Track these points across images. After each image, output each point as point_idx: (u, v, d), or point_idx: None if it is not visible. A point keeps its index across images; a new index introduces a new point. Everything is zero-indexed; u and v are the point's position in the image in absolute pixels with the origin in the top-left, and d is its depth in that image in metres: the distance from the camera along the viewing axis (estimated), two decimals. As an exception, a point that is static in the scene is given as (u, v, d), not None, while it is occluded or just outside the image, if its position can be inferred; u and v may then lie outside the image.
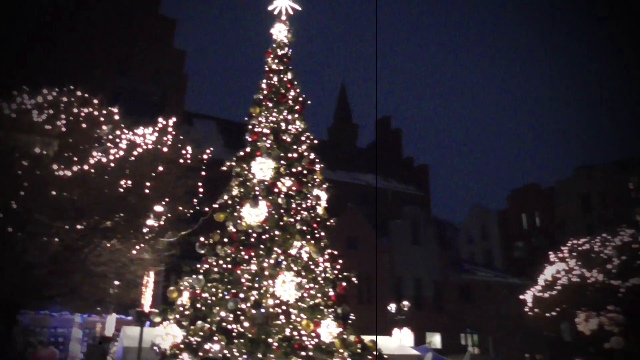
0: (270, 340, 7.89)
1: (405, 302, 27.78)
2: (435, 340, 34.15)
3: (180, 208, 11.27)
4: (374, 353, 8.80)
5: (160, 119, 10.22)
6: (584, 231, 31.29)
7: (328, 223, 9.69)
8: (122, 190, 9.49)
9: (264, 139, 9.67)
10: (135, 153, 9.47)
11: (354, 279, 9.41)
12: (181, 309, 8.65)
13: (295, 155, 9.74)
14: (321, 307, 8.67)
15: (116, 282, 12.12)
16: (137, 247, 10.97)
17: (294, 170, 9.56)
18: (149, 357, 10.95)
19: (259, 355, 7.81)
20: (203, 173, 11.57)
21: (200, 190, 11.50)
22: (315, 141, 10.16)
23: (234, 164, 9.69)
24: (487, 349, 35.40)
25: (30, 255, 8.82)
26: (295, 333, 7.98)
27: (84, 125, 8.62)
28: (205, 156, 11.85)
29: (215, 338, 7.84)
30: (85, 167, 8.17)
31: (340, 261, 9.43)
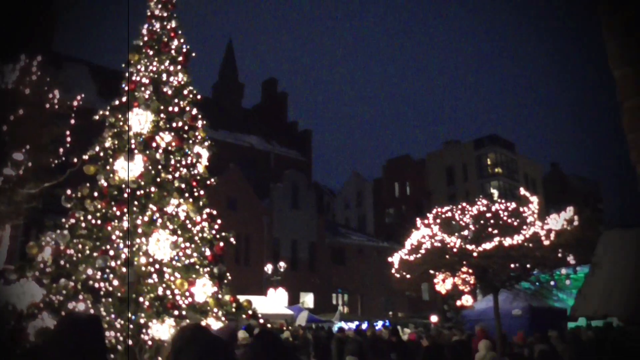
0: (141, 299, 7.65)
1: (282, 263, 28.55)
2: (308, 300, 35.66)
3: (44, 158, 10.29)
4: (248, 312, 8.96)
5: (22, 57, 9.12)
6: (447, 200, 34.35)
7: (208, 182, 9.47)
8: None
9: (143, 89, 9.10)
10: (-10, 92, 8.40)
11: (232, 240, 9.39)
12: (42, 266, 8.02)
13: (176, 109, 9.30)
14: (197, 267, 8.57)
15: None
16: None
17: (174, 125, 9.15)
18: (2, 317, 10.09)
19: (129, 315, 7.55)
20: (72, 121, 10.61)
21: (68, 139, 10.56)
22: (199, 97, 9.79)
23: (107, 113, 9.02)
24: (356, 308, 37.87)
25: None
26: (168, 292, 7.80)
27: None
28: (75, 102, 10.84)
29: (80, 297, 7.41)
30: None
31: (219, 221, 9.33)
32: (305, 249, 36.87)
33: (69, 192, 8.39)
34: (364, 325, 21.80)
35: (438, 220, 18.97)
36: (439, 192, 50.19)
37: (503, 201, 20.29)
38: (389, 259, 20.13)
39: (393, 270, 19.39)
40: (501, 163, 51.36)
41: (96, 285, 7.49)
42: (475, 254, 17.09)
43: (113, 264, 7.68)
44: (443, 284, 19.62)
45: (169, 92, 9.34)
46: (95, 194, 8.31)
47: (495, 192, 44.52)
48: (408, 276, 19.07)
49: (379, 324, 23.27)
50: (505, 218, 18.45)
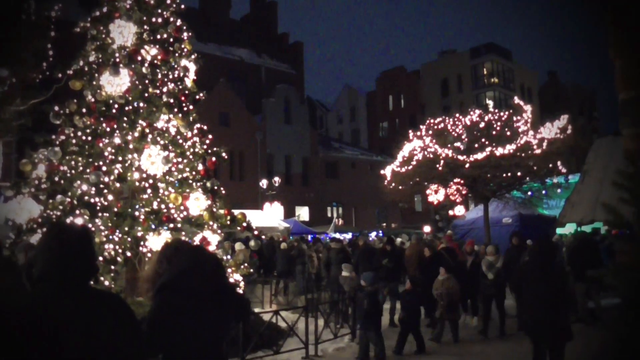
0: (137, 213, 7.81)
1: (276, 178, 28.92)
2: (304, 213, 36.54)
3: (28, 73, 10.01)
4: (243, 224, 9.20)
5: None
6: (442, 112, 34.18)
7: (197, 97, 9.32)
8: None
9: (123, -2, 8.67)
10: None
11: (224, 155, 9.41)
12: (37, 182, 8.09)
13: (159, 20, 8.92)
14: (190, 181, 8.66)
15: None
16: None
17: (158, 37, 8.83)
18: (3, 233, 10.34)
19: (126, 228, 7.75)
20: (52, 34, 10.19)
21: (50, 53, 10.21)
22: (182, 6, 9.37)
23: (89, 25, 8.66)
24: (350, 220, 38.94)
25: None
26: (163, 206, 7.95)
27: None
28: (53, 13, 10.35)
29: (77, 212, 7.55)
30: None
31: (210, 136, 9.30)
32: (298, 163, 37.17)
33: (56, 108, 8.26)
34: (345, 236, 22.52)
35: (430, 132, 19.04)
36: (434, 104, 49.81)
37: (496, 111, 20.26)
38: (381, 172, 20.46)
39: (386, 183, 19.75)
40: (497, 72, 50.55)
41: (92, 200, 7.60)
42: (466, 165, 17.34)
43: (107, 179, 7.74)
44: (435, 194, 20.08)
45: (152, 1, 8.92)
46: (84, 110, 8.19)
47: (490, 103, 44.26)
48: (400, 187, 19.46)
49: (372, 235, 24.07)
50: (498, 128, 18.52)
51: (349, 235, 25.02)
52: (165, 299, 2.57)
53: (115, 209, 7.75)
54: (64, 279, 2.04)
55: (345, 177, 39.47)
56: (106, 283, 7.15)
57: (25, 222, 7.83)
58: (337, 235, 21.72)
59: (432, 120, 19.68)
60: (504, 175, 17.57)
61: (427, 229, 29.00)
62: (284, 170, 35.54)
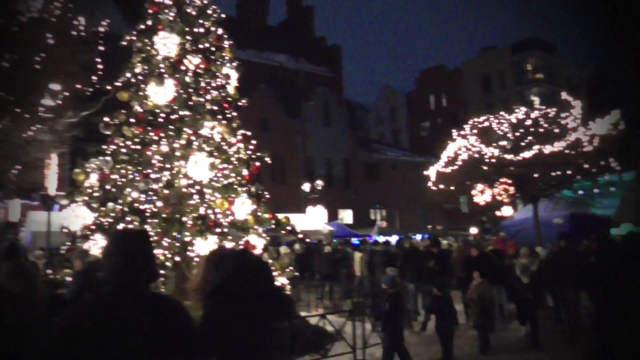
0: (184, 218, 7.98)
1: (318, 181, 28.98)
2: (347, 216, 36.46)
3: (79, 86, 10.41)
4: (287, 228, 9.26)
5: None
6: (485, 110, 33.39)
7: (239, 103, 9.47)
8: (6, 64, 8.52)
9: (166, 11, 8.90)
10: (16, 22, 8.37)
11: (267, 159, 9.52)
12: (89, 191, 8.40)
13: (201, 30, 9.13)
14: (235, 186, 8.80)
15: (17, 166, 11.40)
16: (33, 127, 10.18)
17: (200, 46, 9.03)
18: (59, 240, 10.78)
19: (174, 234, 7.93)
20: (101, 47, 10.57)
21: (99, 67, 10.59)
22: (223, 15, 9.55)
23: (134, 38, 8.95)
24: (394, 222, 38.55)
25: None
26: (209, 211, 8.09)
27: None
28: (101, 28, 10.75)
29: (128, 218, 7.79)
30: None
31: (254, 142, 9.43)
32: (339, 166, 37.13)
33: (106, 119, 8.57)
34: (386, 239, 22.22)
35: (475, 131, 18.63)
36: (476, 102, 48.76)
37: (543, 107, 19.62)
38: (425, 172, 20.17)
39: (430, 184, 19.46)
40: (541, 68, 49.03)
41: (141, 207, 7.82)
42: (513, 164, 16.87)
43: (155, 186, 7.95)
44: (481, 195, 19.60)
45: (193, 12, 9.13)
46: (132, 120, 8.46)
47: (536, 100, 42.92)
48: (445, 188, 19.12)
49: (417, 237, 23.71)
50: (545, 125, 17.92)
51: (392, 238, 24.76)
52: (215, 304, 2.60)
53: (164, 215, 7.95)
54: (127, 283, 2.15)
55: (387, 179, 39.14)
56: (158, 287, 7.34)
57: (79, 229, 8.15)
58: (381, 238, 21.54)
59: (476, 119, 19.25)
60: (553, 174, 16.97)
61: (473, 230, 28.33)
62: (325, 173, 35.58)
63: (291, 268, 9.78)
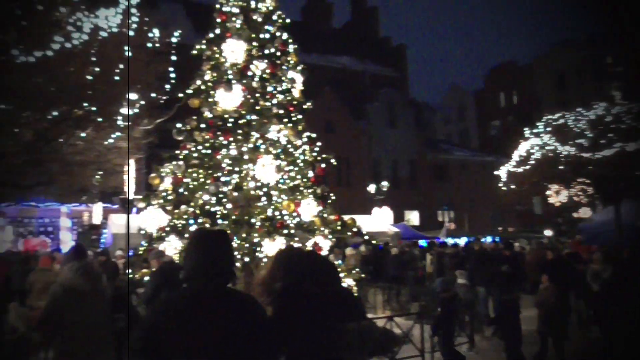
0: (253, 220, 8.18)
1: (384, 183, 28.73)
2: (413, 217, 35.88)
3: (153, 95, 10.98)
4: (353, 229, 9.26)
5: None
6: (559, 107, 31.73)
7: (304, 106, 9.60)
8: (90, 77, 9.13)
9: (233, 19, 9.20)
10: (99, 37, 8.96)
11: (332, 161, 9.58)
12: (164, 194, 8.82)
13: (267, 36, 9.36)
14: (301, 188, 8.92)
15: (98, 172, 12.19)
16: (113, 135, 10.85)
17: (266, 52, 9.24)
18: (137, 242, 11.39)
19: (243, 235, 8.15)
20: (173, 57, 11.10)
21: (172, 75, 11.12)
22: (288, 20, 9.72)
23: (204, 47, 9.31)
24: (463, 224, 37.52)
25: (2, 145, 8.70)
26: (277, 213, 8.25)
27: (39, 7, 8.02)
28: (174, 39, 11.28)
29: (200, 220, 8.10)
30: (48, 52, 7.74)
31: (319, 144, 9.52)
32: (406, 167, 36.63)
33: (178, 125, 8.99)
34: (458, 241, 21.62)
35: (549, 129, 17.75)
36: (550, 99, 46.46)
37: (626, 102, 18.34)
38: (495, 172, 19.48)
39: (501, 184, 18.77)
40: (622, 60, 45.91)
41: (212, 209, 8.11)
42: (592, 163, 15.91)
43: (225, 189, 8.23)
44: (556, 195, 18.64)
45: (259, 19, 9.37)
46: (202, 125, 8.80)
47: (617, 94, 40.28)
48: (517, 189, 18.37)
49: (487, 240, 22.93)
50: (628, 121, 16.75)
51: (461, 240, 24.09)
52: (284, 303, 2.64)
53: (233, 217, 8.20)
54: (207, 280, 2.25)
55: (455, 180, 38.15)
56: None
57: (155, 231, 8.57)
58: (449, 240, 21.02)
59: (550, 116, 18.35)
60: (638, 173, 15.84)
61: (548, 233, 26.99)
62: (391, 174, 35.23)
63: (357, 270, 9.77)
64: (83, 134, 10.40)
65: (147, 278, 8.10)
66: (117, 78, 9.65)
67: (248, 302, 2.39)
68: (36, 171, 9.86)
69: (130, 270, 9.61)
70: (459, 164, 39.22)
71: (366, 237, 9.55)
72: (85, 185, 12.65)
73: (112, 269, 11.08)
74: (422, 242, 21.37)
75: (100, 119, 9.89)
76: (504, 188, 18.50)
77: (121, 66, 9.65)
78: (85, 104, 9.34)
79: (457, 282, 9.38)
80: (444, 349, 7.06)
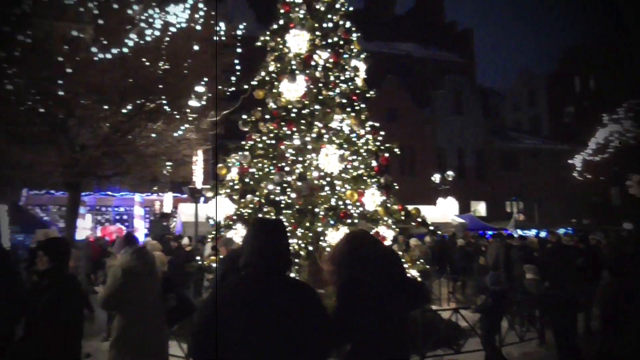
0: (316, 210, 8.25)
1: (450, 172, 28.06)
2: (480, 208, 34.85)
3: (220, 87, 11.28)
4: (417, 220, 9.11)
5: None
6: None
7: (367, 95, 9.51)
8: (160, 71, 9.51)
9: (297, 9, 9.23)
10: (169, 33, 9.30)
11: (396, 150, 9.45)
12: (231, 184, 9.06)
13: (330, 25, 9.33)
14: (364, 178, 8.88)
15: (168, 163, 12.73)
16: (182, 127, 11.26)
17: (329, 41, 9.22)
18: (205, 229, 11.82)
19: (307, 224, 8.24)
20: (239, 50, 11.32)
21: (237, 67, 11.37)
22: (350, 9, 9.65)
23: (268, 38, 9.42)
24: (533, 216, 35.95)
25: (82, 138, 9.26)
26: (340, 203, 8.26)
27: (115, 6, 8.44)
28: (239, 32, 11.51)
29: (265, 209, 8.26)
30: (125, 49, 8.15)
31: (382, 133, 9.42)
32: (472, 156, 35.54)
33: (244, 116, 9.19)
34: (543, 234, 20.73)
35: (630, 114, 16.62)
36: (632, 83, 43.33)
37: None
38: (569, 161, 18.49)
39: (575, 174, 17.82)
40: None
41: (277, 198, 8.25)
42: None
43: (289, 179, 8.34)
44: (638, 186, 17.46)
45: (322, 8, 9.35)
46: (267, 116, 8.94)
47: None
48: (594, 179, 17.39)
49: (560, 232, 21.85)
50: None
51: (531, 232, 23.12)
52: (351, 292, 2.64)
53: (297, 206, 8.29)
54: (264, 266, 2.32)
55: (525, 169, 36.56)
56: (291, 275, 7.69)
57: (222, 219, 8.85)
58: (519, 232, 20.25)
59: (632, 101, 17.17)
60: None
61: (627, 225, 25.33)
62: (456, 163, 34.33)
63: (422, 261, 9.63)
64: (154, 126, 10.87)
65: (214, 265, 8.42)
66: (185, 72, 9.99)
67: (303, 289, 2.44)
68: (113, 162, 10.44)
69: (198, 258, 10.01)
70: (529, 153, 37.55)
71: (431, 228, 9.37)
72: (157, 175, 13.24)
73: (183, 255, 11.58)
74: (490, 234, 20.74)
75: (170, 112, 10.28)
76: (579, 178, 17.55)
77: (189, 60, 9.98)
78: (157, 98, 9.74)
79: (527, 277, 9.01)
80: (483, 343, 6.85)
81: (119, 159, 10.53)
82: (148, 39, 8.68)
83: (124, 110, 9.63)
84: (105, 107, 9.30)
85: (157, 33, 8.86)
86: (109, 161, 10.27)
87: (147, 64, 9.25)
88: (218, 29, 10.45)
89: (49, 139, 10.22)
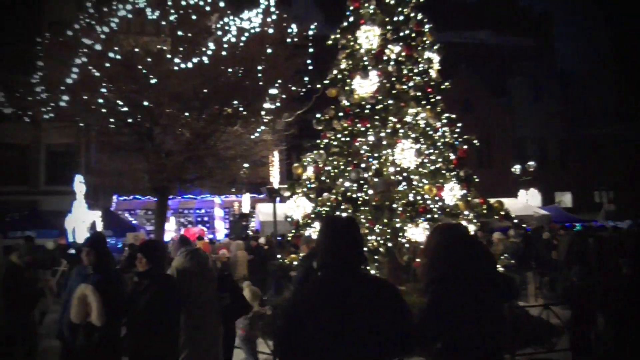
0: (394, 205, 8.17)
1: (530, 163, 26.80)
2: (566, 199, 33.02)
3: (293, 88, 11.46)
4: (500, 213, 8.77)
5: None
6: None
7: (442, 87, 9.28)
8: (239, 75, 9.81)
9: (366, 5, 9.17)
10: (243, 38, 9.57)
11: (475, 142, 9.16)
12: (307, 182, 9.17)
13: (401, 18, 9.19)
14: (443, 171, 8.67)
15: (245, 164, 13.13)
16: (259, 129, 11.55)
17: (401, 34, 9.08)
18: (283, 228, 12.07)
19: (385, 220, 8.18)
20: (310, 50, 11.44)
21: (310, 67, 11.50)
22: (421, 0, 9.45)
23: (338, 36, 9.43)
24: (626, 206, 33.42)
25: (167, 145, 9.78)
26: (418, 198, 8.13)
27: (193, 17, 8.82)
28: (310, 32, 11.62)
29: (342, 207, 8.29)
30: (204, 58, 8.51)
31: (459, 125, 9.16)
32: (554, 144, 33.70)
33: (318, 115, 9.28)
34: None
35: None
36: None
37: None
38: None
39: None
40: None
41: (354, 196, 8.25)
42: None
43: (366, 175, 8.31)
44: None
45: (392, 1, 9.22)
46: (340, 114, 8.96)
47: None
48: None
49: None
50: None
51: (624, 224, 21.54)
52: (442, 289, 2.57)
53: (374, 203, 8.25)
54: (340, 265, 2.32)
55: (614, 157, 34.14)
56: (371, 272, 7.67)
57: (300, 218, 8.98)
58: (610, 224, 18.95)
59: None
60: None
61: None
62: (537, 153, 32.70)
63: (505, 256, 9.27)
64: (232, 130, 11.24)
65: (295, 263, 8.58)
66: (260, 75, 10.23)
67: (384, 286, 2.42)
68: (196, 166, 10.94)
69: (279, 256, 10.23)
70: (618, 139, 35.02)
71: (515, 221, 9.00)
72: (236, 177, 13.70)
73: (263, 254, 11.91)
74: (578, 226, 19.60)
75: (247, 115, 10.59)
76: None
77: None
78: (234, 102, 10.06)
79: (622, 271, 8.39)
80: (570, 342, 6.39)
81: (201, 163, 11.00)
82: (225, 45, 8.98)
83: (204, 116, 10.04)
84: (187, 114, 9.75)
85: (232, 40, 9.15)
86: (192, 165, 10.76)
87: (225, 70, 9.57)
88: (290, 30, 10.62)
89: (136, 147, 10.89)
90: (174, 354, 4.00)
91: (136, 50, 8.77)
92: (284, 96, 11.11)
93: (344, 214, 8.20)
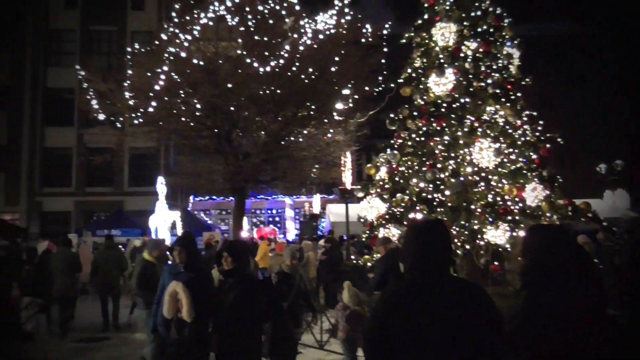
0: (472, 207, 7.91)
1: (618, 161, 25.08)
2: (657, 199, 30.60)
3: (367, 88, 11.42)
4: (588, 215, 8.28)
5: (335, 1, 10.17)
6: None
7: (523, 83, 8.89)
8: (313, 77, 9.92)
9: (442, 1, 8.96)
10: (318, 40, 9.67)
11: (559, 140, 8.69)
12: (381, 183, 9.10)
13: (478, 13, 8.89)
14: (524, 171, 8.29)
15: (316, 166, 13.26)
16: (331, 130, 11.62)
17: (478, 30, 8.80)
18: (356, 229, 12.04)
19: (462, 222, 7.94)
20: (385, 49, 11.36)
21: (384, 67, 11.42)
22: None
23: (412, 34, 9.29)
24: None
25: (244, 147, 10.05)
26: (498, 199, 7.83)
27: (270, 21, 9.02)
28: (384, 31, 11.54)
29: (417, 208, 8.14)
30: (281, 61, 8.68)
31: (541, 122, 8.74)
32: (643, 141, 31.36)
33: (391, 115, 9.18)
34: None
35: None
36: None
37: None
38: None
39: None
40: None
41: (429, 196, 8.08)
42: None
43: (442, 175, 8.11)
44: None
45: (469, -4, 8.96)
46: (415, 113, 8.81)
47: None
48: None
49: None
50: None
51: None
52: (537, 293, 2.45)
53: (450, 204, 8.03)
54: (427, 269, 2.31)
55: None
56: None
57: (374, 219, 8.91)
58: None
59: None
60: None
61: None
62: (626, 150, 30.55)
63: (594, 260, 8.72)
64: (305, 132, 11.39)
65: (369, 264, 8.53)
66: (333, 76, 10.28)
67: (475, 290, 2.34)
68: (271, 168, 11.19)
69: (353, 257, 10.22)
70: None
71: (604, 224, 8.45)
72: (308, 178, 13.87)
73: (337, 256, 11.93)
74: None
75: (320, 116, 10.68)
76: None
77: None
78: (308, 104, 10.18)
79: None
80: None
81: (276, 165, 11.22)
82: (300, 48, 9.11)
83: (279, 118, 10.24)
84: (263, 117, 10.00)
85: (308, 42, 9.27)
86: (267, 167, 11.01)
87: (300, 72, 9.71)
88: (364, 31, 10.60)
89: (215, 150, 11.31)
90: (258, 351, 4.10)
91: (217, 55, 9.11)
92: (356, 96, 11.09)
93: (419, 215, 8.07)
